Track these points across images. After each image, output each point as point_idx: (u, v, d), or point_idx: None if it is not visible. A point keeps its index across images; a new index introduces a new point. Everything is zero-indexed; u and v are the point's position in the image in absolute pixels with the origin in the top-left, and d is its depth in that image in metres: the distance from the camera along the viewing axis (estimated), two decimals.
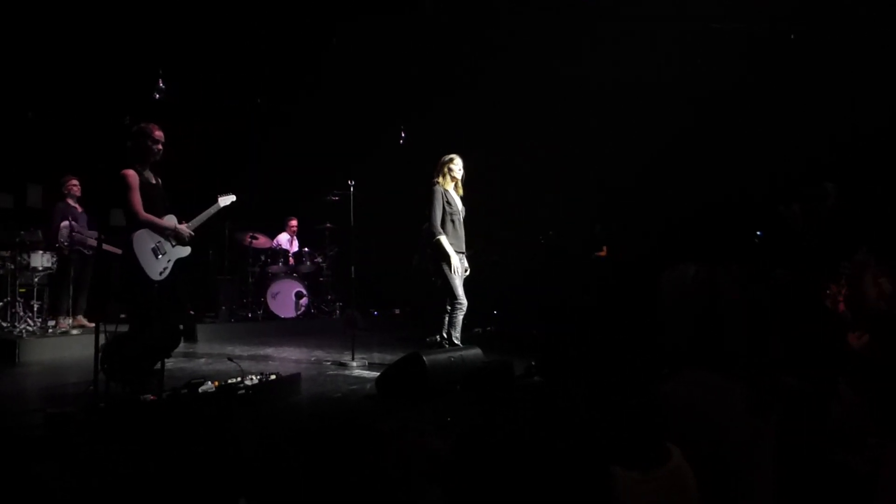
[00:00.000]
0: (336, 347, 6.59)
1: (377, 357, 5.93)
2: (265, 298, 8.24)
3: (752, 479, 1.98)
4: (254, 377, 3.99)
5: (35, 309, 6.37)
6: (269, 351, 6.55)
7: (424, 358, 4.10)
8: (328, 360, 5.85)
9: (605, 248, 7.76)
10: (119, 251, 4.16)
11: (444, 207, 4.98)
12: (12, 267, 6.24)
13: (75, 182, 6.98)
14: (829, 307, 2.90)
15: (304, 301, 8.39)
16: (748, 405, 2.07)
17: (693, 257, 4.71)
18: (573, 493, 1.64)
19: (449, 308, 4.94)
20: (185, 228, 4.30)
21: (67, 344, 6.18)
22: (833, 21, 6.42)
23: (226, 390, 3.76)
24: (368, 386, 4.55)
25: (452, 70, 8.49)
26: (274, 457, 2.75)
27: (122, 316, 4.30)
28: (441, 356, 4.31)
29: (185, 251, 4.34)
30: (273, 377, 4.14)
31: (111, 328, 3.87)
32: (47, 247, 6.45)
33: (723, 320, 4.14)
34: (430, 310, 5.26)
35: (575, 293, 7.21)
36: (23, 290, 6.37)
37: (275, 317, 8.26)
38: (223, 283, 8.40)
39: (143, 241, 4.07)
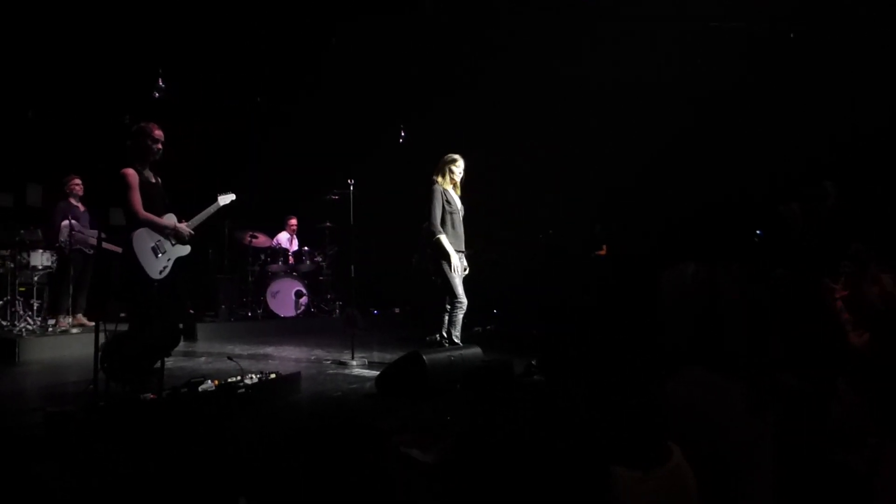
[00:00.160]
0: (336, 346, 6.60)
1: (377, 356, 5.93)
2: (265, 297, 8.25)
3: (752, 478, 1.98)
4: (254, 376, 3.99)
5: (35, 308, 6.38)
6: (269, 350, 6.54)
7: (424, 357, 4.10)
8: (328, 359, 5.84)
9: (604, 247, 7.77)
10: (119, 250, 4.16)
11: (443, 206, 4.97)
12: (12, 266, 6.25)
13: (78, 181, 6.99)
14: (829, 306, 2.90)
15: (303, 300, 8.39)
16: (748, 405, 2.08)
17: (693, 257, 4.72)
18: (573, 493, 1.64)
19: (449, 307, 4.94)
20: (184, 227, 4.29)
21: (67, 343, 6.18)
22: (833, 21, 6.42)
23: (226, 389, 3.76)
24: (368, 385, 4.54)
25: (452, 70, 8.49)
26: (274, 456, 2.75)
27: (122, 315, 4.31)
28: (441, 355, 4.31)
29: (185, 250, 4.34)
30: (273, 376, 4.13)
31: (111, 327, 3.87)
32: (47, 246, 6.46)
33: (723, 320, 4.15)
34: (430, 309, 5.26)
35: (575, 293, 7.22)
36: (22, 288, 6.38)
37: (275, 316, 8.26)
38: (223, 282, 8.41)
39: (143, 240, 4.07)
